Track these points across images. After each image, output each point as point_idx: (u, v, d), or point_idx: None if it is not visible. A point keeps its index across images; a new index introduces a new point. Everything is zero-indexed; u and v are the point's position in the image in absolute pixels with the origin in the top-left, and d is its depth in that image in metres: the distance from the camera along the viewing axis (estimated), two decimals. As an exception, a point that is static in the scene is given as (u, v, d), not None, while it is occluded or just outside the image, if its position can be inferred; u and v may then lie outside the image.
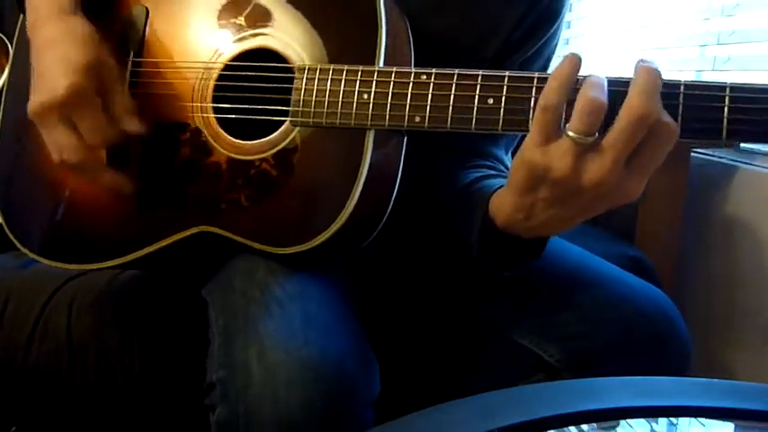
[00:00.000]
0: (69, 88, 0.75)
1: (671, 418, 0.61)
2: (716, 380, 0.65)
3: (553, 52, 0.95)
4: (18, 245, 0.86)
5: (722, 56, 1.54)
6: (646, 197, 1.38)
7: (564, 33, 2.29)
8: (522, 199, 0.68)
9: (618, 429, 0.59)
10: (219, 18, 0.84)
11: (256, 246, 0.76)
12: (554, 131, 0.64)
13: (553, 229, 0.72)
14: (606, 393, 0.62)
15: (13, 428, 0.97)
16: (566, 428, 0.57)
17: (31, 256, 0.86)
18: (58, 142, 0.78)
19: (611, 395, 0.61)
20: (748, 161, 1.36)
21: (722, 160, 1.41)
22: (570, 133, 0.63)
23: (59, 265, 0.85)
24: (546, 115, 0.64)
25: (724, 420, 0.61)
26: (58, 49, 0.78)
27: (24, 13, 0.85)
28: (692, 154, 1.41)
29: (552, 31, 0.92)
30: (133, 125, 0.80)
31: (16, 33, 0.92)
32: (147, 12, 0.87)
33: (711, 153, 1.44)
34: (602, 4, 2.10)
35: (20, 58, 0.90)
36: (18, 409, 0.97)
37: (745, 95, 0.63)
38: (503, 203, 0.72)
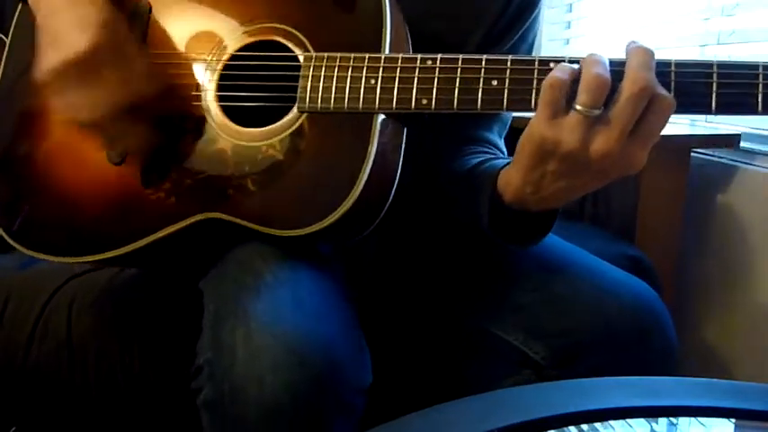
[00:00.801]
0: (91, 44, 0.75)
1: (671, 418, 0.61)
2: (716, 380, 0.65)
3: (536, 36, 0.97)
4: (13, 243, 0.85)
5: (722, 56, 1.54)
6: (646, 197, 1.38)
7: (564, 33, 2.29)
8: (532, 173, 0.71)
9: (618, 429, 0.59)
10: (224, 11, 0.85)
11: (263, 230, 0.76)
12: (561, 107, 0.68)
13: (563, 199, 0.75)
14: (606, 393, 0.62)
15: (13, 428, 0.97)
16: (565, 428, 0.57)
17: (29, 253, 0.85)
18: (77, 100, 0.77)
19: (611, 395, 0.61)
20: (748, 161, 1.36)
21: (722, 160, 1.41)
22: (578, 107, 0.66)
23: (61, 259, 0.84)
24: (553, 91, 0.68)
25: (724, 420, 0.61)
26: (73, 11, 0.77)
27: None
28: (692, 154, 1.42)
29: (533, 17, 0.94)
30: (151, 84, 0.80)
31: (11, 31, 0.92)
32: (150, 7, 0.87)
33: (711, 153, 1.44)
34: (602, 4, 2.10)
35: (15, 54, 0.90)
36: (18, 409, 0.97)
37: (731, 71, 0.69)
38: (511, 179, 0.74)
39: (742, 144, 1.36)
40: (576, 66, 0.68)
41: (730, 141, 1.37)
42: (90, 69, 0.76)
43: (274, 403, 0.66)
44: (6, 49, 0.92)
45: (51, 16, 0.78)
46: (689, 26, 1.67)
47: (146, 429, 0.97)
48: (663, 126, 0.68)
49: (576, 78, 0.67)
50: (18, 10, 0.91)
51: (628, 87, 0.65)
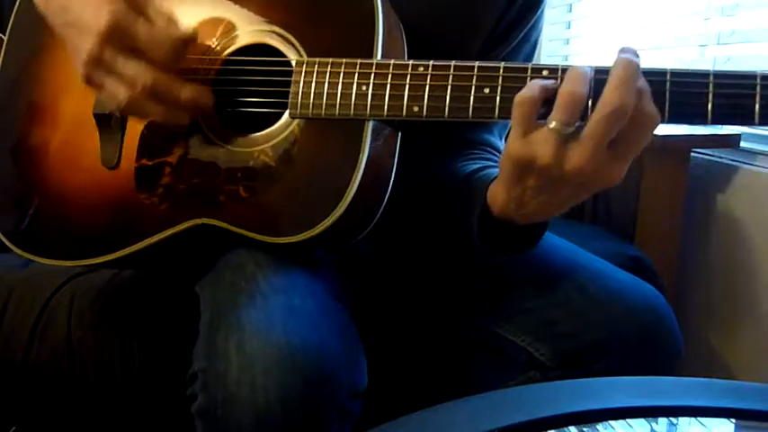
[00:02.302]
0: (111, 14, 0.73)
1: (671, 418, 0.61)
2: (716, 380, 0.65)
3: (539, 36, 0.97)
4: (11, 246, 0.85)
5: (722, 56, 1.54)
6: (646, 197, 1.39)
7: (564, 33, 2.29)
8: (513, 190, 0.71)
9: (618, 429, 0.59)
10: (217, 15, 0.85)
11: (255, 236, 0.76)
12: (531, 123, 0.67)
13: (547, 214, 0.74)
14: (606, 393, 0.62)
15: (13, 428, 0.97)
16: (565, 428, 0.57)
17: (27, 256, 0.85)
18: (128, 73, 0.75)
19: (611, 395, 0.61)
20: (748, 161, 1.36)
21: (722, 160, 1.41)
22: (551, 124, 0.66)
23: (56, 262, 0.85)
24: (522, 109, 0.67)
25: (724, 420, 0.61)
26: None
27: None
28: (692, 154, 1.42)
29: (536, 16, 0.93)
30: (179, 28, 0.76)
31: (9, 27, 0.92)
32: None
33: (711, 153, 1.44)
34: (602, 4, 2.10)
35: (12, 54, 0.90)
36: (18, 409, 0.97)
37: (727, 81, 0.66)
38: (497, 194, 0.74)
39: (742, 144, 1.37)
40: (552, 81, 0.67)
41: (730, 141, 1.37)
42: (121, 38, 0.74)
43: (267, 409, 0.66)
44: (5, 45, 0.91)
45: (63, 10, 0.77)
46: (689, 26, 1.67)
47: (145, 429, 0.97)
48: (644, 142, 0.66)
49: (553, 92, 0.66)
50: (17, 4, 0.91)
51: (600, 108, 0.64)
